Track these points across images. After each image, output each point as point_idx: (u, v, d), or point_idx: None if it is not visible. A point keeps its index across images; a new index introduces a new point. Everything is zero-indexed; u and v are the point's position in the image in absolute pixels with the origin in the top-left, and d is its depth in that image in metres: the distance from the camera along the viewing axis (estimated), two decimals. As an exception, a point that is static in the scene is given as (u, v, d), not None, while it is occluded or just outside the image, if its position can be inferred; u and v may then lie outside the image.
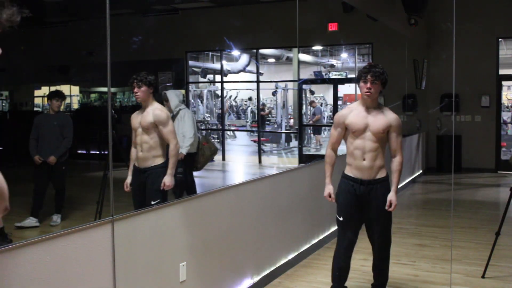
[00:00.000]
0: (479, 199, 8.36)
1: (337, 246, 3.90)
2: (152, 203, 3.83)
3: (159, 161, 4.01)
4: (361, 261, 4.89)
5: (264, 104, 18.19)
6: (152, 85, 3.99)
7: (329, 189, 3.86)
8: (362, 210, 3.79)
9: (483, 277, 4.50)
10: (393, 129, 3.70)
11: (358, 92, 3.91)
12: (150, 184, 4.01)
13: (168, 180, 3.92)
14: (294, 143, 14.32)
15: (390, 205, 3.71)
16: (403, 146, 9.33)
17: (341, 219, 3.82)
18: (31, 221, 5.50)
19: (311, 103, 15.34)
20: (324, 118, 17.65)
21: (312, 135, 15.23)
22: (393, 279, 4.52)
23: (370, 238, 3.91)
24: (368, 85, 3.63)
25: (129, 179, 4.12)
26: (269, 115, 17.43)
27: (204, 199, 3.72)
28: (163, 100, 5.57)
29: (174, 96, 5.59)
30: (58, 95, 5.90)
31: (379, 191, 3.74)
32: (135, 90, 3.98)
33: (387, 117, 3.71)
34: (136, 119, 4.06)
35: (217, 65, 14.85)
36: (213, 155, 5.89)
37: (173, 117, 5.45)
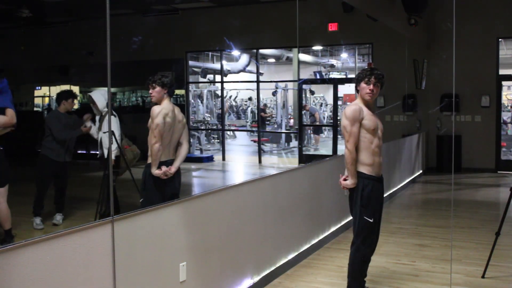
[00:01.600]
0: (479, 199, 8.36)
1: (364, 247, 3.85)
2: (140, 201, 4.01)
3: (149, 160, 4.12)
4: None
5: (265, 105, 18.14)
6: (165, 85, 4.09)
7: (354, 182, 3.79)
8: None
9: (483, 277, 4.50)
10: None
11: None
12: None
13: (155, 172, 4.02)
14: (294, 143, 14.32)
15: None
16: (403, 146, 9.36)
17: (371, 220, 3.79)
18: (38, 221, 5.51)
19: (304, 107, 15.22)
20: (324, 118, 17.65)
21: (312, 135, 15.24)
22: (393, 279, 4.52)
23: None
24: (371, 86, 3.76)
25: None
26: (269, 117, 17.30)
27: (204, 199, 3.72)
28: (90, 103, 5.37)
29: (100, 96, 5.36)
30: (75, 95, 5.89)
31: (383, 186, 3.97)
32: (150, 91, 4.09)
33: (379, 117, 3.94)
34: None
35: (217, 65, 14.86)
36: (135, 159, 5.50)
37: (101, 119, 5.32)
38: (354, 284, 3.90)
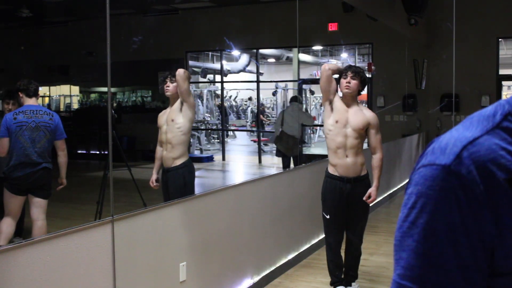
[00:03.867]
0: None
1: (326, 242, 4.08)
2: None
3: (181, 160, 4.07)
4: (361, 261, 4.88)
5: (263, 105, 18.09)
6: None
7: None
8: (347, 207, 3.93)
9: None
10: (371, 127, 3.87)
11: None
12: (171, 182, 4.09)
13: None
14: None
15: (369, 197, 3.85)
16: (403, 146, 9.36)
17: (328, 217, 3.97)
18: None
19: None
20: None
21: (312, 134, 15.23)
22: (393, 279, 4.52)
23: (347, 236, 4.06)
24: (348, 79, 3.84)
25: (154, 176, 4.19)
26: (267, 122, 17.20)
27: (204, 199, 3.72)
28: None
29: None
30: None
31: (362, 189, 3.90)
32: (167, 84, 4.09)
33: (365, 115, 3.89)
34: (163, 117, 4.14)
35: (217, 65, 14.86)
36: None
37: None
38: (331, 277, 4.08)
